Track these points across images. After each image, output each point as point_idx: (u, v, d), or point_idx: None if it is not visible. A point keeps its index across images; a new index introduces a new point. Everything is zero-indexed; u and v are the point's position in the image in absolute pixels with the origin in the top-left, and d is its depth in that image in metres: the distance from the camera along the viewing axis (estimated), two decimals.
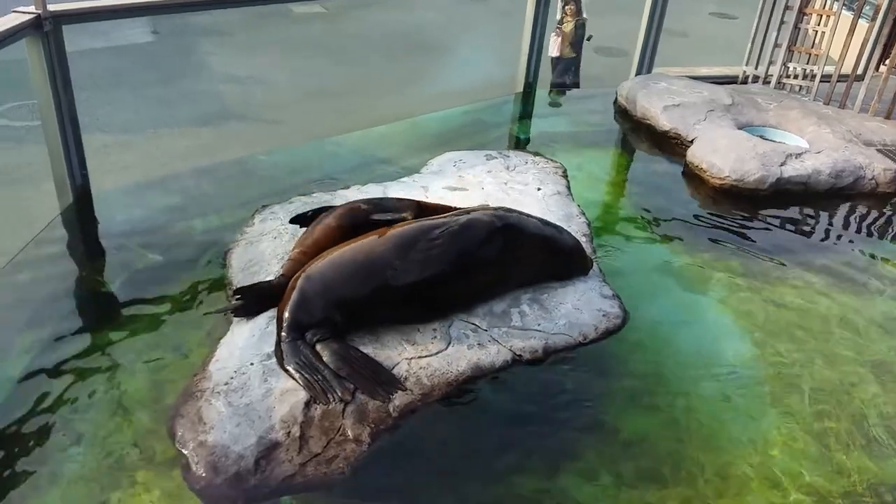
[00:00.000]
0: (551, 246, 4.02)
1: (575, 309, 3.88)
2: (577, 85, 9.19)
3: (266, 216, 4.59)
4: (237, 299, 3.65)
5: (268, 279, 3.84)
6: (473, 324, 3.68)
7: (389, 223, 3.82)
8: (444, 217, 3.77)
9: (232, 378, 3.24)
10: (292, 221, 4.33)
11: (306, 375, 3.23)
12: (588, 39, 10.01)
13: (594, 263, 4.23)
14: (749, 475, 3.20)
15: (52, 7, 4.63)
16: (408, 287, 3.51)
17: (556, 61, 9.20)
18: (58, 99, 4.78)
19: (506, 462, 3.18)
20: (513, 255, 3.86)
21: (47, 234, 4.68)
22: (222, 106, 10.57)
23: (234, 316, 3.64)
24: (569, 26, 9.13)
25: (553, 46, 9.26)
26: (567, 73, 9.14)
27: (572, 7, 9.15)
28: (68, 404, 3.32)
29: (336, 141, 6.59)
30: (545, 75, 7.74)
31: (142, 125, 9.79)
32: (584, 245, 4.25)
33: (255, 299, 3.67)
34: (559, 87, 8.72)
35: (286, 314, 3.41)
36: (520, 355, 3.56)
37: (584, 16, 9.16)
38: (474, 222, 3.74)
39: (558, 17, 9.09)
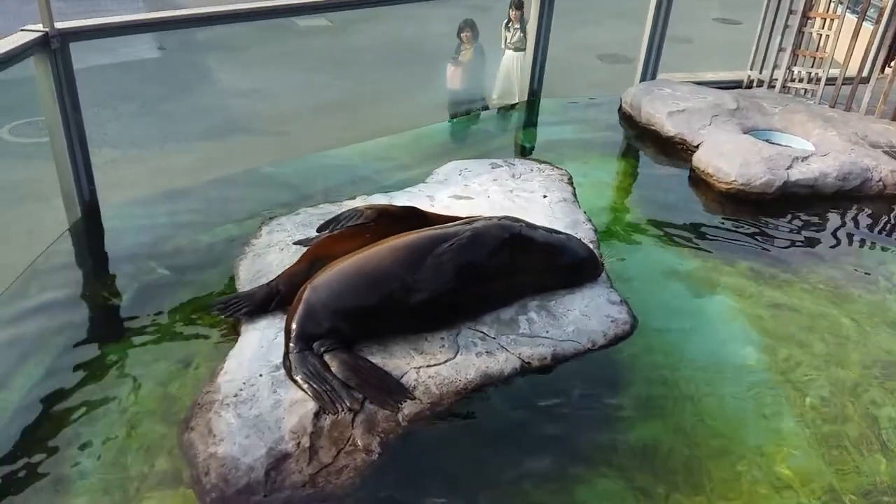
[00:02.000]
0: (560, 254, 4.02)
1: (583, 315, 3.87)
2: (486, 107, 8.71)
3: (273, 228, 4.60)
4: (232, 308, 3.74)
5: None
6: (481, 332, 3.68)
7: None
8: (452, 227, 3.77)
9: (241, 390, 3.25)
10: (296, 243, 4.37)
11: (315, 386, 3.23)
12: None
13: (603, 268, 4.23)
14: (760, 479, 3.18)
15: (58, 25, 4.67)
16: (416, 299, 3.51)
17: (455, 95, 8.75)
18: (65, 116, 4.81)
19: (517, 470, 3.16)
20: (522, 265, 3.86)
21: (56, 249, 4.71)
22: (229, 119, 10.64)
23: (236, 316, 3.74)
24: (467, 54, 8.75)
25: (453, 79, 8.79)
26: (473, 101, 8.69)
27: (468, 34, 8.74)
28: (78, 418, 3.32)
29: (342, 152, 6.62)
30: (550, 83, 7.74)
31: (149, 140, 9.87)
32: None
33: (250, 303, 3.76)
34: (464, 114, 8.26)
35: (293, 325, 3.41)
36: (528, 363, 3.55)
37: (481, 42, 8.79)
38: (483, 233, 3.74)
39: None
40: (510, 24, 9.64)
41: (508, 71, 9.71)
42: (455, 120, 7.87)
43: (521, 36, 9.56)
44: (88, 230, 4.99)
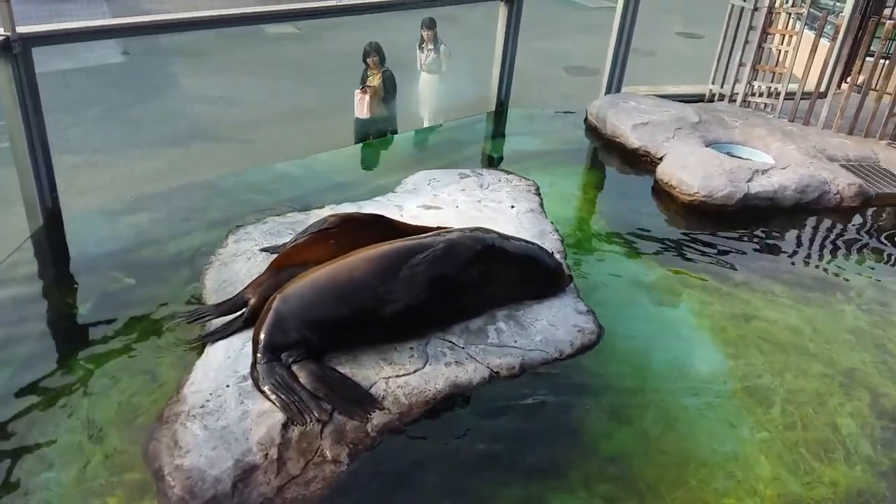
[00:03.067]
0: (532, 265, 4.06)
1: (550, 325, 3.91)
2: (394, 131, 8.47)
3: (240, 236, 4.57)
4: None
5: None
6: (450, 342, 3.69)
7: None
8: (426, 238, 3.78)
9: (207, 401, 3.21)
10: (263, 250, 4.34)
11: (282, 396, 3.21)
12: None
13: (571, 280, 4.28)
14: (725, 487, 3.24)
15: (20, 29, 4.59)
16: (388, 310, 3.51)
17: (364, 123, 8.39)
18: (27, 121, 4.73)
19: (485, 480, 3.18)
20: (494, 277, 3.89)
21: (17, 257, 4.61)
22: (194, 126, 10.53)
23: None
24: (376, 79, 8.38)
25: (361, 107, 8.34)
26: (382, 130, 8.36)
27: (375, 58, 8.37)
28: (40, 430, 3.25)
29: (310, 160, 6.59)
30: (517, 94, 7.82)
31: (112, 146, 9.73)
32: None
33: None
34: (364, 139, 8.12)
35: (262, 335, 3.39)
36: (497, 372, 3.58)
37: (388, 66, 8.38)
38: (457, 245, 3.75)
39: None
40: (423, 45, 9.22)
41: (423, 94, 9.35)
42: (363, 144, 7.72)
43: (435, 57, 9.18)
44: (51, 238, 4.90)
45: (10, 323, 3.98)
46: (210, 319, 3.73)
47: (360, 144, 7.90)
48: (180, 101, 11.55)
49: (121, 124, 10.51)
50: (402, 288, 3.53)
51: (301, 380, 3.29)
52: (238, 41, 13.64)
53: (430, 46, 9.12)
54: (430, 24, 9.05)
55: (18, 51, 4.57)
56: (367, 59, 8.44)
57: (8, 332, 3.91)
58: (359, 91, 8.39)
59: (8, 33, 4.52)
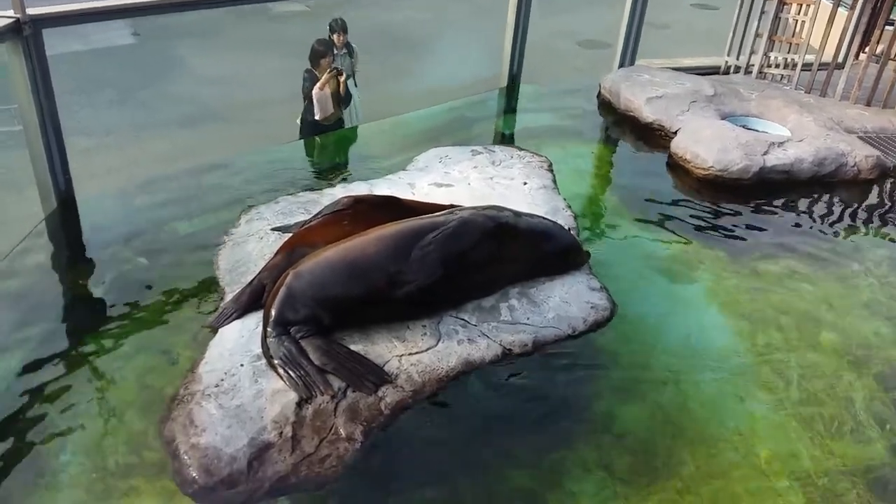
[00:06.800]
0: (546, 243, 4.04)
1: (563, 302, 3.90)
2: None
3: (252, 217, 4.57)
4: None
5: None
6: (463, 319, 3.69)
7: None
8: (438, 217, 3.77)
9: (222, 380, 3.23)
10: (275, 230, 4.33)
11: (289, 371, 3.23)
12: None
13: (588, 257, 4.25)
14: (738, 462, 3.23)
15: (31, 11, 4.58)
16: (400, 289, 3.51)
17: (315, 125, 7.51)
18: (39, 104, 4.73)
19: (499, 456, 3.19)
20: (506, 254, 3.87)
21: (32, 240, 4.65)
22: (204, 107, 10.54)
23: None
24: (332, 82, 7.55)
25: (321, 106, 7.44)
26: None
27: (329, 59, 7.61)
28: (57, 411, 3.29)
29: (321, 139, 6.58)
30: (528, 69, 7.72)
31: (124, 128, 9.75)
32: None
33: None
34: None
35: (272, 310, 3.40)
36: (510, 349, 3.57)
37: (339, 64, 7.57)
38: (469, 223, 3.74)
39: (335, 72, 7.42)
40: (335, 50, 8.09)
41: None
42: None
43: (351, 61, 8.28)
44: (65, 220, 4.93)
45: (26, 305, 4.02)
46: (236, 317, 3.65)
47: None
48: (190, 82, 11.55)
49: (132, 106, 10.54)
50: (415, 267, 3.52)
51: (309, 355, 3.31)
52: (246, 20, 13.58)
53: (344, 51, 8.20)
54: (345, 28, 8.15)
55: (29, 33, 4.56)
56: (321, 60, 7.52)
57: (23, 313, 3.94)
58: (318, 87, 7.44)
59: (18, 15, 4.51)
